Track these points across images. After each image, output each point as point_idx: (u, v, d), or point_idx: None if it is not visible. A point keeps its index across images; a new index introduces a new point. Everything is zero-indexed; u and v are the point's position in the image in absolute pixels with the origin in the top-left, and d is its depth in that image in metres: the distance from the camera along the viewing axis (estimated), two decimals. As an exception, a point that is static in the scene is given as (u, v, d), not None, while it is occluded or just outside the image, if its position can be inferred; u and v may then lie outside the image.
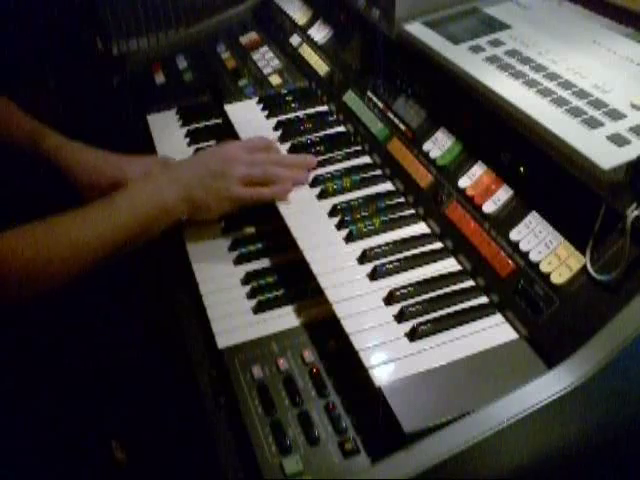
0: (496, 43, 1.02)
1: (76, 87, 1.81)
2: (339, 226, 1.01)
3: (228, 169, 1.03)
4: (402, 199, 1.05)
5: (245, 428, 0.80)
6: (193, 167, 1.05)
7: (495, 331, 0.83)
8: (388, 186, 1.09)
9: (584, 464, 0.81)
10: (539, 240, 0.83)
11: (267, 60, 1.50)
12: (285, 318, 0.94)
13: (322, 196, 1.07)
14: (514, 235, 0.86)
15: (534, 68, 0.94)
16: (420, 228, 1.00)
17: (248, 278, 1.00)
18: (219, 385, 0.88)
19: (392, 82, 1.17)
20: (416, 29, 1.09)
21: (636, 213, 0.72)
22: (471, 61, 0.98)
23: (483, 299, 0.87)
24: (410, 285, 0.89)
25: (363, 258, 0.94)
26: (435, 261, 0.94)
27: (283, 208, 1.05)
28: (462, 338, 0.82)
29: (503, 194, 0.91)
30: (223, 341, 0.91)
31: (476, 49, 1.01)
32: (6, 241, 0.88)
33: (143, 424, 1.21)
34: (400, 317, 0.85)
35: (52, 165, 1.16)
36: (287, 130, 1.24)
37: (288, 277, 1.00)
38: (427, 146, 1.04)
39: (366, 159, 1.16)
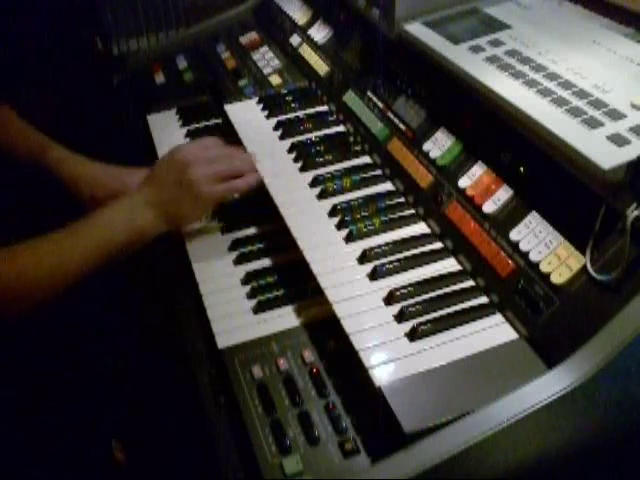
0: (496, 43, 1.02)
1: (76, 87, 1.81)
2: (339, 226, 1.01)
3: (192, 173, 1.01)
4: (402, 199, 1.05)
5: (245, 428, 0.80)
6: (158, 183, 1.03)
7: (495, 331, 0.83)
8: (388, 186, 1.09)
9: (584, 464, 0.81)
10: (539, 240, 0.83)
11: (267, 60, 1.50)
12: (285, 318, 0.94)
13: (322, 196, 1.07)
14: (514, 235, 0.86)
15: (534, 68, 0.94)
16: (420, 228, 1.00)
17: (248, 278, 1.00)
18: (219, 385, 0.88)
19: (392, 82, 1.17)
20: (416, 29, 1.09)
21: (636, 213, 0.72)
22: (471, 61, 0.98)
23: (483, 299, 0.87)
24: (410, 285, 0.89)
25: (363, 258, 0.94)
26: (435, 261, 0.94)
27: (283, 208, 1.05)
28: (462, 338, 0.82)
29: (503, 194, 0.91)
30: (223, 341, 0.91)
31: (476, 49, 1.01)
32: None
33: (143, 424, 1.21)
34: (400, 317, 0.85)
35: (55, 177, 1.17)
36: (287, 130, 1.24)
37: (288, 277, 1.00)
38: (427, 146, 1.04)
39: (366, 159, 1.16)
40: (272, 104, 1.32)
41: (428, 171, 1.02)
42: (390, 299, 0.88)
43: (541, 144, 0.84)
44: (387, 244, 0.96)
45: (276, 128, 1.26)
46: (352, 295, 0.89)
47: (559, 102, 0.86)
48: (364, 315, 0.86)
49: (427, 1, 1.13)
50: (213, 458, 0.81)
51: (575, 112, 0.84)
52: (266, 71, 1.47)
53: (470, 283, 0.90)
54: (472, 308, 0.86)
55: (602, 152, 0.77)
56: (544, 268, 0.81)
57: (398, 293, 0.88)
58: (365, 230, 0.99)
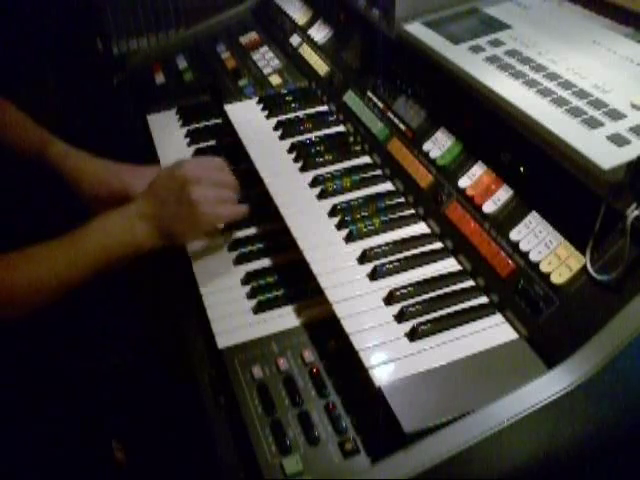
0: (496, 43, 1.02)
1: (76, 87, 1.81)
2: (339, 226, 1.01)
3: (193, 192, 0.98)
4: (402, 199, 1.05)
5: (245, 428, 0.80)
6: (157, 196, 1.00)
7: (495, 331, 0.83)
8: (388, 186, 1.09)
9: (584, 464, 0.81)
10: (539, 240, 0.83)
11: (267, 60, 1.50)
12: (285, 318, 0.94)
13: (322, 196, 1.07)
14: (514, 235, 0.86)
15: (534, 68, 0.94)
16: (420, 228, 1.00)
17: (248, 278, 1.00)
18: (219, 385, 0.88)
19: (392, 82, 1.17)
20: (416, 29, 1.09)
21: (636, 213, 0.72)
22: (471, 61, 0.98)
23: (483, 299, 0.87)
24: (410, 285, 0.89)
25: (363, 258, 0.94)
26: (435, 261, 0.94)
27: (283, 208, 1.05)
28: (462, 338, 0.82)
29: (503, 194, 0.91)
30: (223, 341, 0.91)
31: (476, 49, 1.01)
32: None
33: (143, 424, 1.21)
34: (400, 317, 0.85)
35: (55, 172, 1.16)
36: (287, 130, 1.24)
37: (288, 277, 1.00)
38: (427, 146, 1.04)
39: (366, 159, 1.16)
40: (272, 104, 1.32)
41: (428, 171, 1.02)
42: (390, 299, 0.88)
43: (541, 144, 0.84)
44: (387, 244, 0.96)
45: (276, 128, 1.26)
46: (352, 295, 0.89)
47: (559, 102, 0.86)
48: (364, 315, 0.86)
49: (427, 1, 1.13)
50: (213, 458, 0.81)
51: (575, 112, 0.84)
52: (266, 71, 1.47)
53: (470, 283, 0.90)
54: (472, 308, 0.86)
55: (602, 152, 0.77)
56: (544, 268, 0.81)
57: (398, 293, 0.88)
58: (365, 230, 0.99)
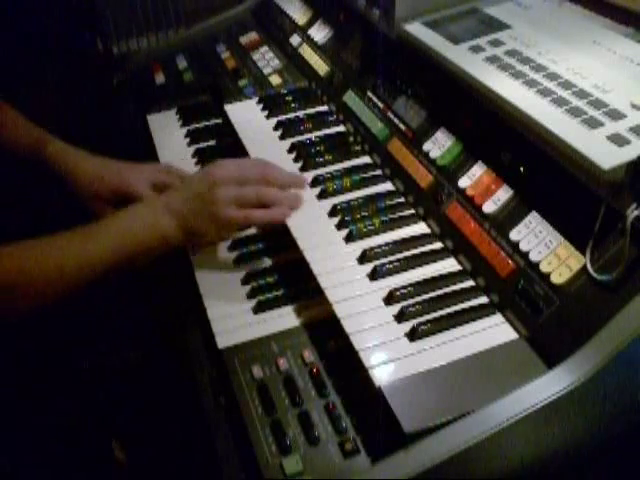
0: (496, 43, 1.02)
1: (76, 87, 1.81)
2: (339, 226, 1.01)
3: (216, 193, 0.97)
4: (402, 199, 1.05)
5: (245, 428, 0.80)
6: (185, 193, 0.99)
7: (495, 331, 0.83)
8: (388, 186, 1.09)
9: (584, 464, 0.81)
10: (539, 240, 0.83)
11: (267, 60, 1.50)
12: (285, 318, 0.94)
13: (322, 196, 1.07)
14: (514, 235, 0.86)
15: (534, 68, 0.94)
16: (420, 228, 1.00)
17: (248, 278, 1.00)
18: (219, 385, 0.88)
19: (392, 82, 1.17)
20: (416, 29, 1.09)
21: (636, 213, 0.72)
22: (471, 61, 0.98)
23: (483, 299, 0.87)
24: (410, 285, 0.89)
25: (363, 258, 0.94)
26: (435, 261, 0.94)
27: (283, 208, 1.05)
28: (462, 338, 0.82)
29: (503, 194, 0.91)
30: (223, 341, 0.91)
31: (476, 49, 1.01)
32: None
33: (143, 424, 1.21)
34: (400, 317, 0.85)
35: (54, 172, 1.16)
36: (287, 130, 1.24)
37: (288, 277, 1.00)
38: (427, 146, 1.04)
39: (366, 159, 1.16)
40: (272, 104, 1.32)
41: (428, 171, 1.02)
42: (390, 299, 0.88)
43: (541, 144, 0.84)
44: (387, 244, 0.96)
45: (276, 128, 1.26)
46: (352, 295, 0.89)
47: (559, 102, 0.86)
48: (364, 315, 0.86)
49: (427, 1, 1.13)
50: (213, 458, 0.81)
51: (575, 112, 0.84)
52: (266, 71, 1.47)
53: (470, 283, 0.90)
54: (472, 308, 0.86)
55: (602, 152, 0.77)
56: (544, 268, 0.81)
57: (398, 293, 0.88)
58: (365, 230, 0.99)
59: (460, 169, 0.98)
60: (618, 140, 0.78)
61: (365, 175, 1.11)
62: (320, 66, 1.37)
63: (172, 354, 1.08)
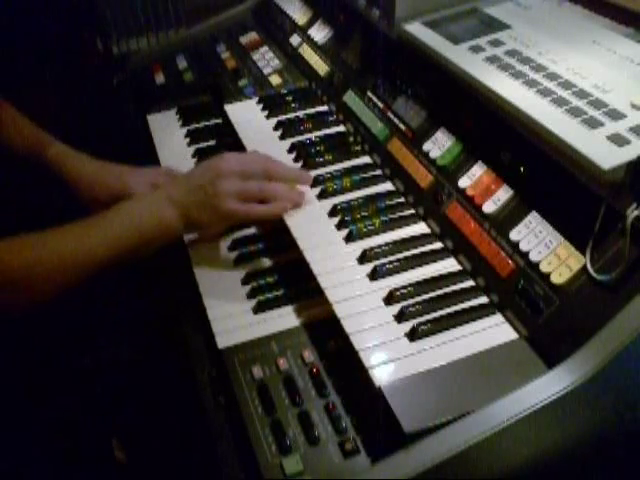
0: (496, 43, 1.02)
1: (76, 87, 1.81)
2: (339, 226, 1.01)
3: (218, 185, 0.98)
4: (402, 199, 1.05)
5: (245, 428, 0.80)
6: (188, 184, 1.00)
7: (495, 331, 0.83)
8: (388, 186, 1.09)
9: (584, 464, 0.81)
10: (539, 240, 0.83)
11: (267, 60, 1.50)
12: (285, 318, 0.94)
13: (322, 196, 1.07)
14: (514, 235, 0.86)
15: (534, 68, 0.94)
16: (420, 228, 1.00)
17: (248, 278, 1.00)
18: (219, 385, 0.88)
19: (392, 82, 1.17)
20: (416, 29, 1.09)
21: (636, 213, 0.72)
22: (471, 61, 0.98)
23: (483, 299, 0.87)
24: (410, 285, 0.89)
25: (363, 258, 0.94)
26: (435, 261, 0.94)
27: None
28: (462, 338, 0.82)
29: (503, 194, 0.91)
30: (223, 341, 0.91)
31: (476, 49, 1.01)
32: None
33: (143, 424, 1.21)
34: (400, 317, 0.85)
35: (55, 175, 1.16)
36: (287, 130, 1.24)
37: (288, 277, 1.00)
38: (427, 146, 1.04)
39: (366, 159, 1.16)
40: (272, 104, 1.32)
41: (428, 171, 1.02)
42: (390, 299, 0.88)
43: (541, 144, 0.84)
44: (387, 244, 0.96)
45: (276, 128, 1.26)
46: (352, 295, 0.89)
47: (559, 102, 0.86)
48: (364, 315, 0.86)
49: (427, 1, 1.13)
50: (213, 458, 0.81)
51: (575, 112, 0.84)
52: (266, 71, 1.47)
53: (470, 283, 0.90)
54: (472, 308, 0.86)
55: (602, 152, 0.77)
56: (544, 268, 0.81)
57: (398, 293, 0.88)
58: (365, 230, 0.99)
59: (460, 169, 0.98)
60: (618, 140, 0.78)
61: (365, 175, 1.11)
62: (320, 66, 1.37)
63: (172, 354, 1.08)
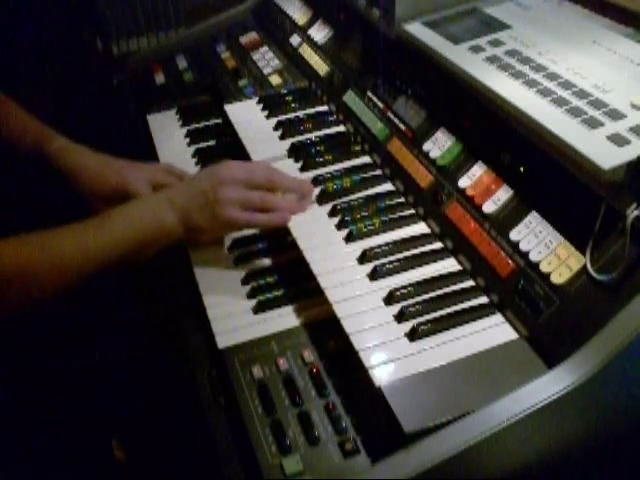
0: (496, 43, 1.02)
1: (76, 87, 1.81)
2: (339, 226, 1.01)
3: (220, 192, 0.98)
4: (402, 199, 1.05)
5: (245, 428, 0.80)
6: (190, 189, 1.01)
7: (495, 331, 0.83)
8: (388, 186, 1.09)
9: (584, 464, 0.81)
10: (539, 240, 0.83)
11: (267, 60, 1.50)
12: (285, 318, 0.94)
13: (322, 196, 1.07)
14: (514, 235, 0.86)
15: (534, 68, 0.94)
16: (420, 228, 1.00)
17: (248, 278, 1.00)
18: (219, 385, 0.88)
19: (392, 82, 1.17)
20: (416, 29, 1.09)
21: (636, 213, 0.72)
22: (471, 61, 0.98)
23: (483, 299, 0.87)
24: (410, 285, 0.89)
25: (363, 258, 0.94)
26: (435, 261, 0.94)
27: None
28: (462, 338, 0.82)
29: (503, 194, 0.91)
30: (223, 341, 0.91)
31: (476, 49, 1.01)
32: None
33: (143, 424, 1.21)
34: (400, 317, 0.85)
35: (56, 168, 1.16)
36: (287, 130, 1.24)
37: (288, 277, 1.00)
38: (427, 146, 1.04)
39: (366, 159, 1.16)
40: (272, 104, 1.32)
41: (428, 171, 1.02)
42: (390, 299, 0.88)
43: (541, 144, 0.84)
44: (387, 244, 0.96)
45: (276, 128, 1.26)
46: (352, 295, 0.89)
47: (559, 102, 0.86)
48: (364, 315, 0.86)
49: (427, 1, 1.13)
50: (213, 458, 0.81)
51: (575, 112, 0.84)
52: (266, 71, 1.47)
53: (470, 283, 0.90)
54: (472, 308, 0.86)
55: (602, 152, 0.77)
56: (544, 268, 0.81)
57: (398, 293, 0.88)
58: (365, 230, 0.99)
59: (460, 169, 0.98)
60: (618, 140, 0.78)
61: (365, 175, 1.11)
62: (320, 66, 1.37)
63: (172, 354, 1.08)
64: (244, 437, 0.79)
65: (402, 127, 1.11)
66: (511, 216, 0.88)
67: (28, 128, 1.19)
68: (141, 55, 1.73)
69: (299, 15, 1.52)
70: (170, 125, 1.39)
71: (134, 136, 1.44)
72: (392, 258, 0.94)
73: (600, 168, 0.75)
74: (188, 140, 1.33)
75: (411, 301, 0.87)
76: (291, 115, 1.29)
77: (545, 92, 0.88)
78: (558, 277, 0.79)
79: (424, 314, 0.85)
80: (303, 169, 1.14)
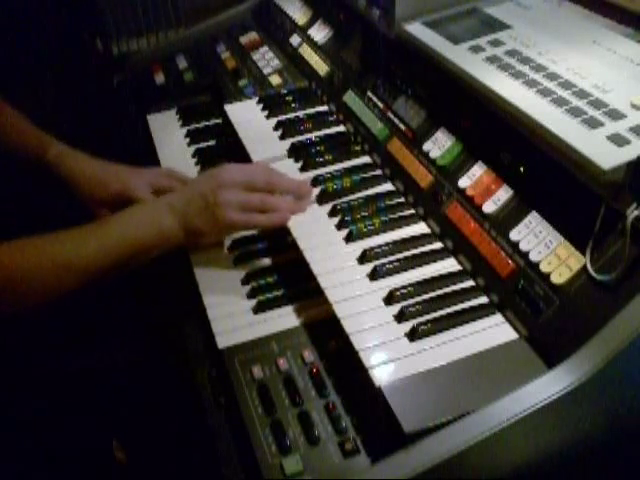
0: (496, 43, 1.02)
1: (76, 87, 1.81)
2: (339, 226, 1.01)
3: (220, 195, 0.98)
4: (402, 199, 1.05)
5: (245, 428, 0.80)
6: (189, 193, 1.00)
7: (495, 331, 0.83)
8: (388, 186, 1.09)
9: (584, 464, 0.81)
10: (539, 240, 0.83)
11: (267, 60, 1.50)
12: (285, 318, 0.94)
13: (322, 196, 1.07)
14: (514, 235, 0.86)
15: (534, 68, 0.94)
16: (420, 228, 1.00)
17: (248, 278, 1.00)
18: (219, 385, 0.88)
19: (392, 82, 1.17)
20: (416, 29, 1.09)
21: (636, 213, 0.72)
22: (471, 61, 0.98)
23: (483, 299, 0.87)
24: (410, 285, 0.89)
25: (363, 258, 0.94)
26: (435, 261, 0.94)
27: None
28: (462, 338, 0.82)
29: (503, 194, 0.91)
30: (223, 341, 0.91)
31: (476, 49, 1.01)
32: None
33: (143, 424, 1.21)
34: (400, 317, 0.85)
35: (56, 175, 1.16)
36: (287, 130, 1.24)
37: (288, 277, 1.00)
38: (427, 146, 1.04)
39: (366, 159, 1.16)
40: (272, 104, 1.32)
41: (428, 171, 1.02)
42: (390, 299, 0.88)
43: (541, 144, 0.84)
44: (387, 244, 0.96)
45: (276, 128, 1.26)
46: (352, 295, 0.89)
47: (559, 102, 0.86)
48: (364, 315, 0.86)
49: (427, 1, 1.13)
50: (213, 458, 0.81)
51: (575, 112, 0.84)
52: (266, 71, 1.47)
53: (470, 283, 0.90)
54: (472, 308, 0.86)
55: (602, 152, 0.77)
56: (544, 268, 0.81)
57: (398, 293, 0.88)
58: (365, 230, 0.99)
59: (460, 169, 0.98)
60: (618, 140, 0.78)
61: (365, 175, 1.11)
62: (320, 66, 1.37)
63: (172, 354, 1.08)
64: (244, 437, 0.79)
65: (402, 127, 1.11)
66: (511, 216, 0.88)
67: (27, 134, 1.19)
68: (141, 55, 1.73)
69: (299, 15, 1.52)
70: (170, 125, 1.40)
71: (134, 136, 1.44)
72: (392, 258, 0.94)
73: (600, 168, 0.75)
74: (188, 140, 1.33)
75: (411, 301, 0.87)
76: (291, 115, 1.29)
77: (545, 92, 0.88)
78: (558, 277, 0.79)
79: (424, 314, 0.85)
80: (303, 169, 1.14)
